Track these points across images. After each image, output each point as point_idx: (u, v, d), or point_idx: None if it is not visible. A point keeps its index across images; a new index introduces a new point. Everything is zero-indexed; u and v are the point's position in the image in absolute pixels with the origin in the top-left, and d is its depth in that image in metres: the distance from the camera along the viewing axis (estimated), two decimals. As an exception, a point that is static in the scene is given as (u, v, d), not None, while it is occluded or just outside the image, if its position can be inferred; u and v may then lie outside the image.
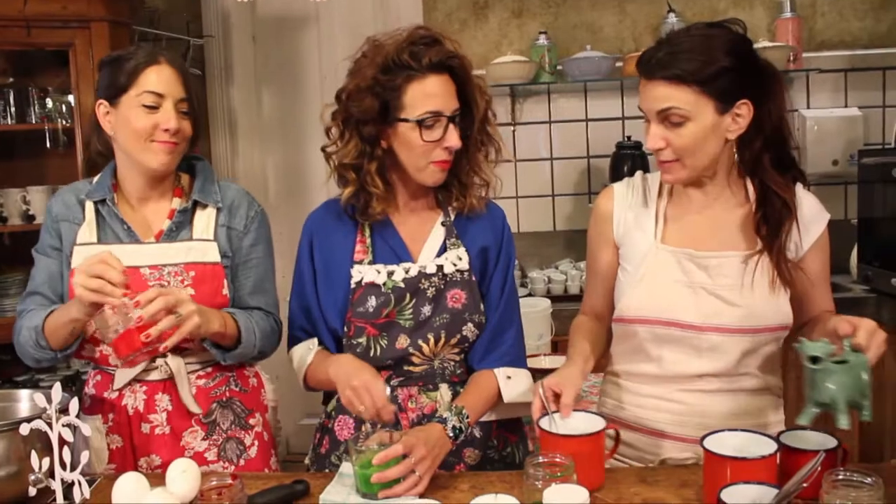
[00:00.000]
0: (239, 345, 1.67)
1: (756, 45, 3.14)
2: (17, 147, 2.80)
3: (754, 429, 1.38)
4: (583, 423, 1.44)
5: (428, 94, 1.53)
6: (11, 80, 2.89)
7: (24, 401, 1.60)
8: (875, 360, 1.29)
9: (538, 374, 2.61)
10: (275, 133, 3.86)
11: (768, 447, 1.29)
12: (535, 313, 2.84)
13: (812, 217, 1.53)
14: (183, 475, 1.19)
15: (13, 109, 2.70)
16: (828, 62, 3.36)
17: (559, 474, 1.26)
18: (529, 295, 3.46)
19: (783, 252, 1.48)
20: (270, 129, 3.86)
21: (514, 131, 3.66)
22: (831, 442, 1.33)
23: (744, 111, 1.44)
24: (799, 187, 1.53)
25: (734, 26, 1.47)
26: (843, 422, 1.26)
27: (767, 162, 1.49)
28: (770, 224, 1.48)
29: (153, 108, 1.61)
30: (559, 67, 3.44)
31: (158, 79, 1.62)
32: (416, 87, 1.52)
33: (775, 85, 1.49)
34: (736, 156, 1.52)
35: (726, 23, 1.47)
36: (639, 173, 1.65)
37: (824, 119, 3.28)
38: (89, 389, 1.73)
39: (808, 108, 3.38)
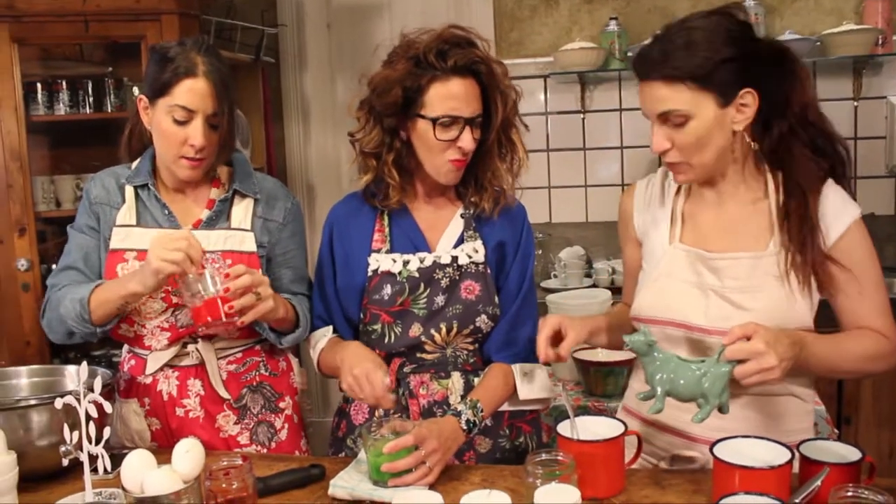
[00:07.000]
0: (297, 328, 1.73)
1: (839, 29, 3.06)
2: (95, 136, 2.94)
3: (775, 437, 1.32)
4: (603, 428, 1.42)
5: (448, 96, 1.53)
6: (110, 69, 3.04)
7: (74, 376, 1.69)
8: (745, 382, 1.25)
9: (592, 367, 2.58)
10: (348, 119, 3.90)
11: (782, 457, 1.23)
12: (594, 304, 2.77)
13: (834, 215, 1.40)
14: (187, 455, 1.24)
15: (91, 99, 2.84)
16: (922, 45, 3.15)
17: (558, 473, 1.25)
18: (594, 286, 3.41)
19: (810, 244, 1.38)
20: (344, 116, 3.91)
21: (583, 119, 3.59)
22: (855, 454, 1.26)
23: (748, 100, 1.37)
24: (829, 183, 1.43)
25: (735, 11, 1.39)
26: (654, 407, 1.32)
27: (797, 149, 1.41)
28: (793, 218, 1.39)
29: (183, 123, 1.62)
30: (630, 54, 3.34)
31: (191, 94, 1.61)
32: (438, 88, 1.54)
33: (790, 66, 1.41)
34: (755, 146, 1.44)
35: (726, 8, 1.40)
36: (661, 169, 1.59)
37: (915, 107, 3.07)
38: (124, 373, 1.78)
39: (899, 94, 3.18)
